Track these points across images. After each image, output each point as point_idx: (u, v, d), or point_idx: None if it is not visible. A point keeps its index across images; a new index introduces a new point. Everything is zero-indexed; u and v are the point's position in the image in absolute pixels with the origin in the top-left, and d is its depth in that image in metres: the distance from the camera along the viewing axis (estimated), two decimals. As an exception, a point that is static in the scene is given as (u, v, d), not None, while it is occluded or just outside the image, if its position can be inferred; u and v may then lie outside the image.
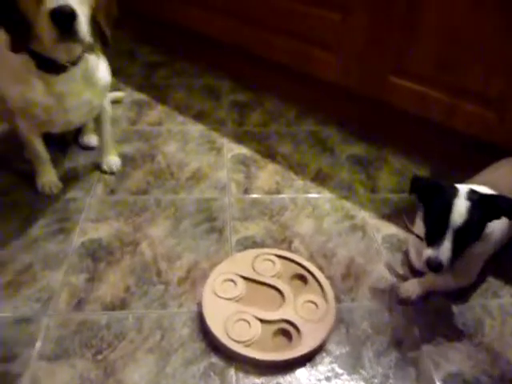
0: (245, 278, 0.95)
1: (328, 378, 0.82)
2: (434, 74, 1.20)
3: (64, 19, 0.77)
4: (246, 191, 1.23)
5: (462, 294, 0.98)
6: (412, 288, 0.96)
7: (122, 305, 0.91)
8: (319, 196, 1.24)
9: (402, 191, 1.27)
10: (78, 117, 1.06)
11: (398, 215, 1.18)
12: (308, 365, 0.83)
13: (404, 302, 0.96)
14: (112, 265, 1.00)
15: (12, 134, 1.33)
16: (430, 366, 0.85)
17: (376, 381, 0.82)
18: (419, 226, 0.95)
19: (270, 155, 1.38)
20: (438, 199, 0.85)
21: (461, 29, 1.10)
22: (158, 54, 1.97)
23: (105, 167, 1.25)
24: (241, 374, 0.81)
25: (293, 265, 0.99)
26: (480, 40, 1.08)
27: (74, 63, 0.94)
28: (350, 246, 1.09)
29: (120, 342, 0.85)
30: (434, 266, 0.82)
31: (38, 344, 0.83)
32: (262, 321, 0.87)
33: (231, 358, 0.83)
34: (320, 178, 1.30)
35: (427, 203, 0.89)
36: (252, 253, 1.01)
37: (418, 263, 1.00)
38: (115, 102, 1.52)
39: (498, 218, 0.83)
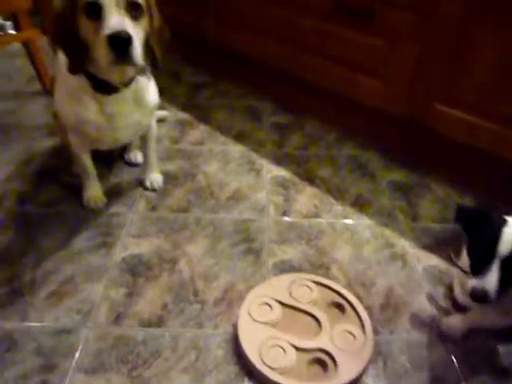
0: (281, 303, 0.94)
1: (364, 414, 0.79)
2: (484, 103, 1.17)
3: (120, 44, 0.81)
4: (285, 214, 1.23)
5: (509, 334, 0.93)
6: (455, 323, 0.92)
7: (159, 322, 0.92)
8: (358, 222, 1.22)
9: (445, 221, 1.23)
10: (127, 135, 1.10)
11: (439, 246, 1.14)
12: (343, 397, 0.81)
13: (446, 337, 0.92)
14: (151, 281, 1.02)
15: (62, 148, 1.40)
16: (473, 409, 0.80)
17: (415, 420, 0.78)
18: (464, 259, 0.92)
19: (309, 178, 1.38)
20: (484, 227, 0.82)
21: (513, 57, 1.07)
22: (202, 75, 2.03)
23: (147, 184, 1.29)
24: (274, 402, 0.80)
25: (330, 292, 0.97)
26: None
27: (126, 85, 0.98)
28: (389, 275, 1.06)
29: (155, 359, 0.85)
30: (479, 296, 0.79)
31: (77, 356, 0.85)
32: (297, 348, 0.85)
33: (265, 384, 0.82)
34: (359, 204, 1.28)
35: (472, 233, 0.85)
36: (289, 277, 1.00)
37: (462, 298, 0.95)
38: (160, 120, 1.57)
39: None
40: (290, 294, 0.96)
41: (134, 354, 0.86)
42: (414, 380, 0.84)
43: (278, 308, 0.93)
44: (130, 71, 0.96)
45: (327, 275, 1.05)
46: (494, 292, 0.78)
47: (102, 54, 0.83)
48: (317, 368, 0.84)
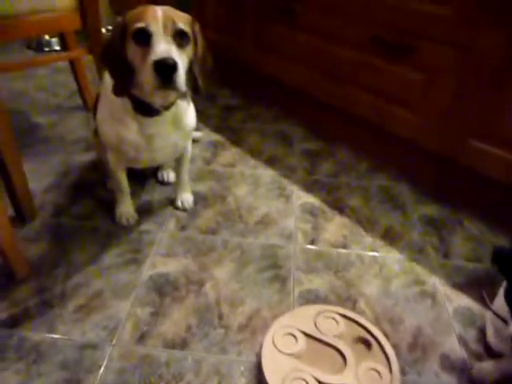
0: (306, 335, 0.93)
1: None
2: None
3: (166, 70, 0.84)
4: (313, 242, 1.22)
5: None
6: (488, 370, 0.88)
7: (183, 344, 0.92)
8: (388, 255, 1.20)
9: (478, 260, 1.19)
10: (163, 156, 1.13)
11: (472, 286, 1.11)
12: None
13: (477, 383, 0.88)
14: (176, 301, 1.02)
15: (98, 164, 1.44)
16: None
17: None
18: (499, 302, 0.89)
19: (339, 207, 1.37)
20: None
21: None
22: (237, 98, 2.07)
23: (178, 203, 1.31)
24: None
25: (357, 327, 0.95)
26: None
27: (167, 108, 1.01)
28: (418, 313, 1.03)
29: (177, 382, 0.85)
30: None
31: (101, 372, 0.86)
32: (320, 383, 0.83)
33: (286, 418, 0.80)
34: (389, 237, 1.26)
35: (511, 277, 0.82)
36: (315, 308, 0.99)
37: (495, 343, 0.92)
38: (194, 141, 1.60)
39: None
40: (316, 326, 0.94)
41: (157, 376, 0.86)
42: (442, 427, 0.81)
43: (302, 339, 0.91)
44: (172, 96, 0.99)
45: (354, 309, 1.03)
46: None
47: (147, 78, 0.86)
48: (340, 406, 0.82)
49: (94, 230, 1.22)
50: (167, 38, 0.86)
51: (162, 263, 1.12)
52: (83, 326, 0.95)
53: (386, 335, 0.95)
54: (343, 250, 1.20)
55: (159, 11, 0.87)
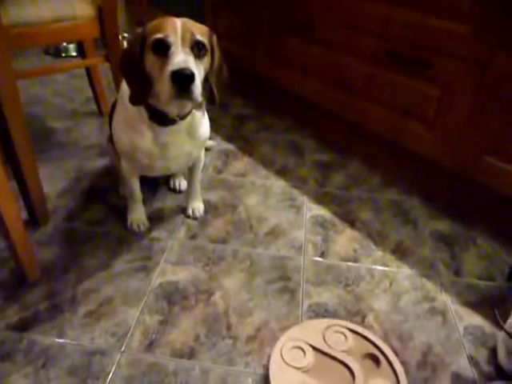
0: (314, 348, 0.92)
1: None
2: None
3: (183, 80, 0.85)
4: (322, 255, 1.22)
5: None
6: (498, 392, 0.87)
7: (191, 354, 0.92)
8: (398, 270, 1.19)
9: (491, 278, 1.18)
10: (177, 165, 1.14)
11: (484, 305, 1.09)
12: None
13: (487, 405, 0.87)
14: (185, 310, 1.02)
15: (111, 171, 1.46)
16: None
17: None
18: None
19: (350, 220, 1.36)
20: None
21: None
22: (249, 108, 2.08)
23: (189, 212, 1.31)
24: None
25: (366, 342, 0.95)
26: None
27: (183, 118, 1.02)
28: (428, 330, 1.02)
29: (184, 392, 0.85)
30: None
31: (109, 379, 0.86)
32: (328, 398, 0.83)
33: (293, 433, 0.79)
34: (400, 251, 1.25)
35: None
36: (324, 322, 0.98)
37: (508, 364, 0.90)
38: (206, 149, 1.61)
39: None
40: (325, 340, 0.94)
41: (164, 385, 0.86)
42: None
43: (311, 353, 0.91)
44: (188, 106, 1.00)
45: (363, 323, 1.02)
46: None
47: (164, 88, 0.87)
48: (348, 422, 0.81)
49: (106, 236, 1.23)
50: (185, 49, 0.87)
51: (171, 271, 1.13)
52: (92, 332, 0.96)
53: (394, 352, 0.94)
54: (353, 264, 1.20)
55: (178, 23, 0.88)
